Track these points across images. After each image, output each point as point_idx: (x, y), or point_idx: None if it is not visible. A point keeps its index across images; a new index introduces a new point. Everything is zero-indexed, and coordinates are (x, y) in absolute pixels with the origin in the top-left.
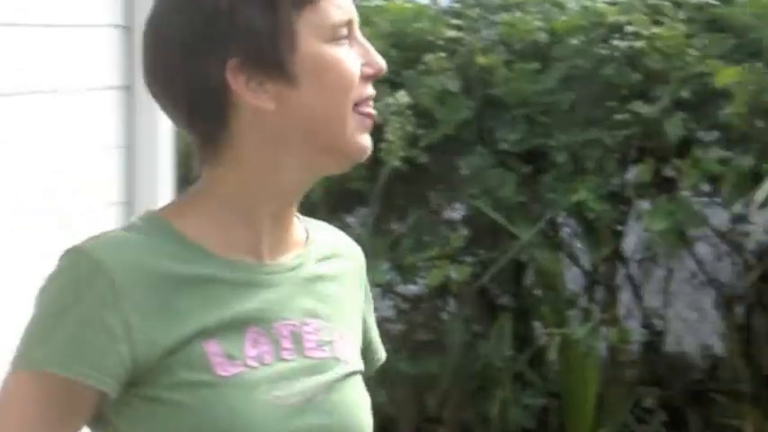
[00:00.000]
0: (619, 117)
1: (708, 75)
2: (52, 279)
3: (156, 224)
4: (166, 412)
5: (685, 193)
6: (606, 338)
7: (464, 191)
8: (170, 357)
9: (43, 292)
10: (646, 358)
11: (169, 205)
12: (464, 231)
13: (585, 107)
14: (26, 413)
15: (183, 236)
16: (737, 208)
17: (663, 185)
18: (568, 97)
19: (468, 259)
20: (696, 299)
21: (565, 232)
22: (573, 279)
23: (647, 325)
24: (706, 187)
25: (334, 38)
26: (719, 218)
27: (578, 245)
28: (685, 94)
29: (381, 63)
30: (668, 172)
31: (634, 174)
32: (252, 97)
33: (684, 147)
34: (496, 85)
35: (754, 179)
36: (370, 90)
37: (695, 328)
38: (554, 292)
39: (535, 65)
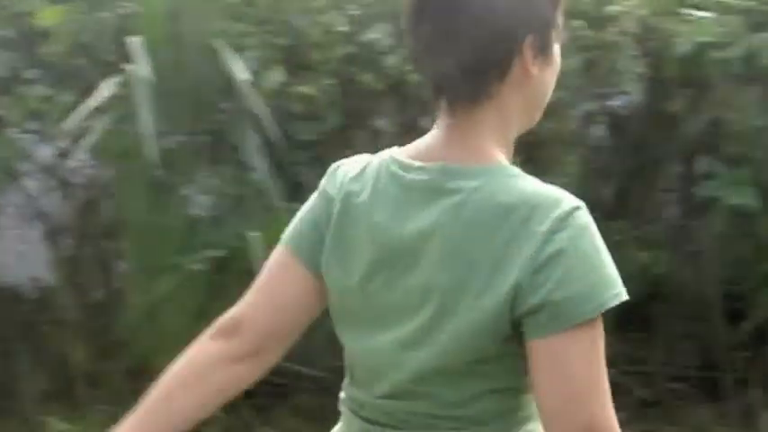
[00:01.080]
0: None
1: (30, 14)
2: (591, 224)
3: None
4: None
5: (12, 130)
6: None
7: None
8: None
9: (594, 234)
10: None
11: (476, 144)
12: None
13: None
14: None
15: None
16: (62, 143)
17: None
18: None
19: None
20: (25, 232)
21: None
22: None
23: None
24: (32, 124)
25: (560, 38)
26: (45, 153)
27: None
28: (10, 33)
29: None
30: None
31: None
32: (529, 66)
33: (9, 84)
34: None
35: None
36: None
37: (25, 261)
38: None
39: None
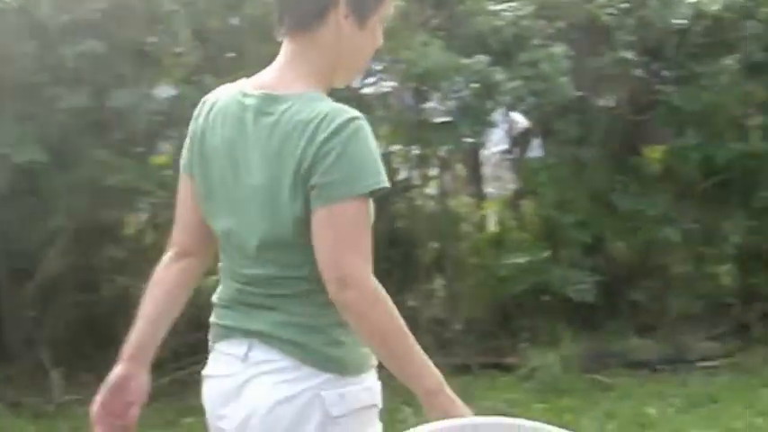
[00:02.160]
0: None
1: None
2: (362, 131)
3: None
4: None
5: None
6: None
7: None
8: None
9: (363, 138)
10: None
11: (295, 76)
12: None
13: None
14: (369, 226)
15: None
16: None
17: None
18: None
19: None
20: None
21: None
22: None
23: None
24: None
25: (384, 21)
26: None
27: None
28: None
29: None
30: None
31: None
32: (342, 18)
33: None
34: None
35: None
36: None
37: None
38: None
39: None
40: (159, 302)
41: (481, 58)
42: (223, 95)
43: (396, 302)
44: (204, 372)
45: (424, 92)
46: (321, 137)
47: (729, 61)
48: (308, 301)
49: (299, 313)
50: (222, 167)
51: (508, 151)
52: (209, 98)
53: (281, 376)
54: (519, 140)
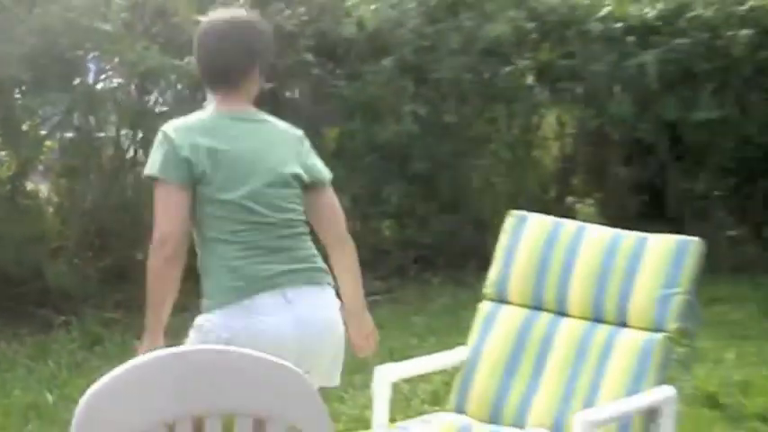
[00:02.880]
0: None
1: None
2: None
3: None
4: None
5: None
6: None
7: None
8: None
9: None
10: None
11: (244, 104)
12: None
13: None
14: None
15: None
16: None
17: None
18: None
19: None
20: None
21: None
22: None
23: None
24: None
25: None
26: None
27: None
28: None
29: None
30: None
31: None
32: (258, 74)
33: None
34: None
35: None
36: None
37: None
38: None
39: None
40: (171, 294)
41: (192, 60)
42: (200, 121)
43: (127, 258)
44: (259, 319)
45: (145, 87)
46: (303, 144)
47: (387, 62)
48: (305, 237)
49: (305, 247)
50: (235, 159)
51: None
52: (180, 128)
53: (325, 299)
54: None
